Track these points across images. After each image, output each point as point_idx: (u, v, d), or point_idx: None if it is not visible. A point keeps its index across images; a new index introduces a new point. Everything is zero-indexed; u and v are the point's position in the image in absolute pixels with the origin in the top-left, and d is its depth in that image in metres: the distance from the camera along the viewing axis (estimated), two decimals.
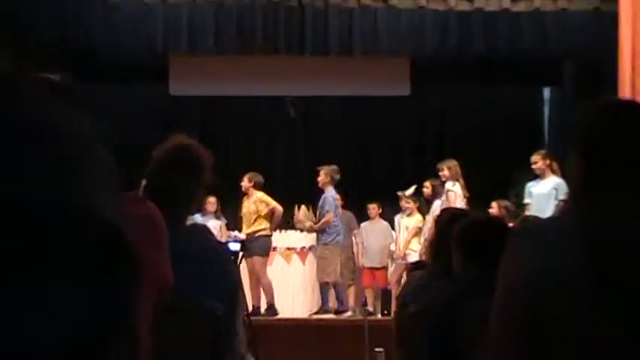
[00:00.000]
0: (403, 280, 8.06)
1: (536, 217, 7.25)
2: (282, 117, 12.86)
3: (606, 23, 9.76)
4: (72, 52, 9.97)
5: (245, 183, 10.18)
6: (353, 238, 10.81)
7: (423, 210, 10.23)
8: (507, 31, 10.19)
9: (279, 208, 10.21)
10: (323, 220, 10.07)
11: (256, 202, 10.08)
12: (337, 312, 10.02)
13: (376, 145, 13.11)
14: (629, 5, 9.01)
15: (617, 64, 9.09)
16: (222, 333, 3.02)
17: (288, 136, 12.92)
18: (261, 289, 9.92)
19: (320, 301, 10.49)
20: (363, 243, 10.75)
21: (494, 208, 9.05)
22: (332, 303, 10.24)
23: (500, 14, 10.07)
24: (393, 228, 10.84)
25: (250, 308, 8.47)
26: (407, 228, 10.48)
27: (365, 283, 10.70)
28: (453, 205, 8.83)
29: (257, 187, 10.18)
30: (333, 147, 12.63)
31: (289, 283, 11.12)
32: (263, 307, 9.81)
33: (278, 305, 9.95)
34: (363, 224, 10.84)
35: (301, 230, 11.19)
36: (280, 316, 9.66)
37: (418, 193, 10.42)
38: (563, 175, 8.82)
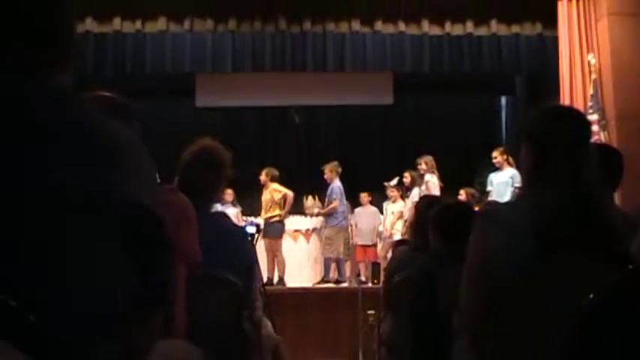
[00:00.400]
0: (389, 255, 8.07)
1: (496, 202, 7.26)
2: (288, 123, 12.85)
3: (549, 45, 9.79)
4: (123, 75, 10.00)
5: (263, 177, 10.24)
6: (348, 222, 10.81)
7: (405, 197, 10.26)
8: (470, 51, 10.19)
9: (290, 194, 10.28)
10: (330, 206, 10.12)
11: (272, 191, 10.15)
12: (336, 282, 10.05)
13: (365, 145, 13.09)
14: (565, 32, 9.07)
15: (558, 78, 9.12)
16: (242, 300, 3.03)
17: (293, 139, 12.91)
18: (275, 264, 9.97)
19: (322, 273, 10.51)
20: (356, 225, 10.75)
21: (462, 195, 9.05)
22: (332, 274, 10.26)
23: (464, 37, 10.07)
24: (381, 212, 10.86)
25: (265, 279, 8.50)
26: (392, 212, 10.49)
27: (358, 258, 10.69)
28: (431, 192, 8.86)
29: (273, 179, 10.27)
30: (330, 147, 12.61)
31: (296, 259, 11.11)
32: (275, 279, 9.85)
33: (287, 277, 9.99)
34: (356, 209, 10.84)
35: (311, 215, 11.23)
36: (289, 285, 9.67)
37: (400, 183, 10.45)
38: (518, 167, 8.87)
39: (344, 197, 10.24)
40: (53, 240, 1.21)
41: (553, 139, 2.08)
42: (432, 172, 9.47)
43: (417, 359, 3.41)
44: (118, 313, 1.30)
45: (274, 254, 10.01)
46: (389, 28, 9.97)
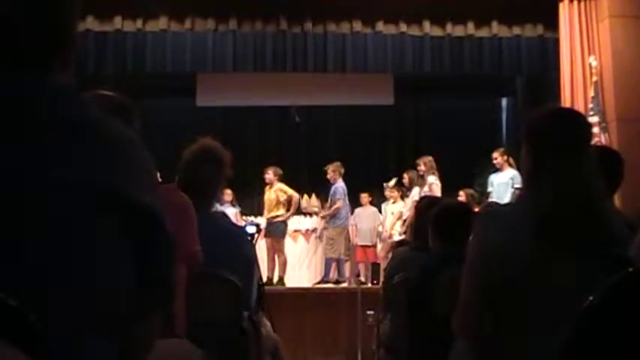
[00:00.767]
0: (389, 255, 8.08)
1: (496, 203, 7.26)
2: (288, 123, 12.85)
3: (550, 47, 9.80)
4: (123, 74, 10.01)
5: (270, 175, 10.24)
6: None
7: (405, 197, 10.26)
8: (471, 53, 10.20)
9: (296, 196, 10.34)
10: (335, 207, 10.13)
11: (277, 191, 10.16)
12: (336, 282, 10.05)
13: (365, 146, 13.10)
14: (566, 34, 9.07)
15: (559, 80, 9.13)
16: (241, 299, 3.03)
17: (294, 138, 12.91)
18: (277, 264, 9.97)
19: (322, 273, 10.52)
20: (356, 225, 10.75)
21: (461, 196, 9.04)
22: (331, 274, 10.27)
23: (466, 38, 10.07)
24: (380, 213, 10.86)
25: (265, 279, 8.50)
26: (392, 213, 10.49)
27: (358, 258, 10.69)
28: (435, 194, 8.85)
29: (279, 179, 10.26)
30: (330, 146, 12.63)
31: (296, 259, 11.12)
32: (275, 278, 9.85)
33: (286, 277, 9.99)
34: (356, 210, 10.84)
35: (310, 214, 11.24)
36: (288, 285, 9.67)
37: (400, 184, 10.46)
38: (518, 168, 8.88)
39: (347, 198, 10.26)
40: (53, 238, 1.21)
41: (553, 141, 2.08)
42: (433, 173, 9.46)
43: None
44: (119, 312, 1.30)
45: (277, 253, 10.02)
46: (390, 29, 9.97)
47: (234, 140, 10.66)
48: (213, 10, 9.81)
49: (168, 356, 1.58)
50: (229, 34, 9.99)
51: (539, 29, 9.94)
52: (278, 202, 10.13)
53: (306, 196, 10.73)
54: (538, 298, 1.94)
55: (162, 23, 9.73)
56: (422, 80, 11.85)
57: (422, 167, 9.52)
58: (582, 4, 9.05)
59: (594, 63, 8.74)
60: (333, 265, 10.32)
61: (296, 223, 11.48)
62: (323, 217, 10.60)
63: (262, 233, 9.06)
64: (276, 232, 10.07)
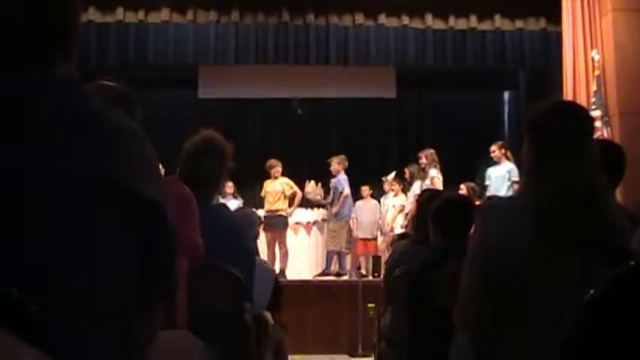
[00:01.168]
0: (391, 249, 8.08)
1: (497, 197, 7.26)
2: (291, 115, 12.84)
3: (553, 41, 9.79)
4: (125, 65, 10.01)
5: (279, 168, 10.27)
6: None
7: (406, 190, 10.26)
8: (474, 46, 10.19)
9: (300, 193, 10.39)
10: (343, 196, 10.13)
11: (283, 184, 10.21)
12: (337, 275, 10.06)
13: (367, 138, 13.08)
14: (569, 27, 9.05)
15: (561, 73, 9.11)
16: (243, 292, 3.04)
17: (296, 130, 12.89)
18: (279, 256, 9.99)
19: (323, 265, 10.53)
20: (357, 218, 10.75)
21: (463, 189, 9.04)
22: (332, 267, 10.28)
23: (468, 32, 10.06)
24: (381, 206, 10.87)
25: None
26: (393, 206, 10.49)
27: (359, 251, 10.70)
28: (437, 188, 8.84)
29: (282, 172, 10.32)
30: (332, 139, 12.61)
31: (297, 251, 11.13)
32: (276, 271, 9.85)
33: (287, 269, 10.00)
34: (357, 203, 10.82)
35: (312, 207, 11.25)
36: (289, 277, 9.68)
37: (401, 177, 10.46)
38: (516, 161, 8.90)
39: (349, 190, 10.28)
40: (55, 230, 1.21)
41: (555, 134, 2.08)
42: (435, 166, 9.44)
43: (416, 353, 3.42)
44: (121, 304, 1.30)
45: (279, 246, 10.04)
46: (392, 22, 9.97)
47: (235, 132, 10.68)
48: (215, 1, 9.81)
49: (169, 348, 1.59)
50: (231, 26, 9.99)
51: (542, 23, 9.94)
52: (284, 196, 10.17)
53: (312, 183, 10.70)
54: (538, 292, 1.94)
55: (164, 15, 9.72)
56: (424, 73, 11.84)
57: (424, 160, 9.50)
58: None
59: (597, 57, 8.72)
60: (334, 257, 10.33)
61: (297, 215, 11.48)
62: (333, 211, 10.52)
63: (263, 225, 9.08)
64: (278, 224, 10.08)
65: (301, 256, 11.31)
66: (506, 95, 13.19)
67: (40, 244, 1.19)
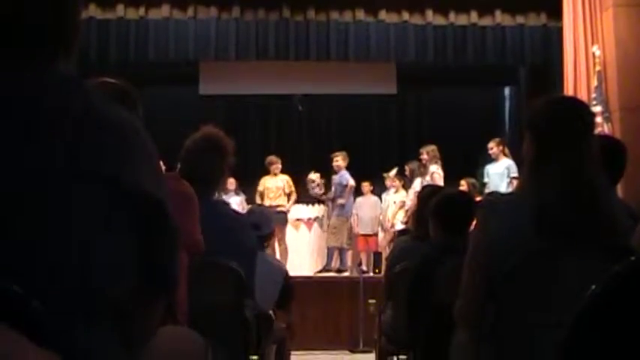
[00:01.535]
0: (391, 245, 8.09)
1: (498, 193, 7.23)
2: (291, 111, 12.84)
3: (553, 36, 9.78)
4: (126, 62, 10.01)
5: (279, 165, 10.30)
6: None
7: (407, 187, 10.26)
8: (474, 42, 10.19)
9: (295, 194, 10.44)
10: (348, 189, 10.13)
11: (284, 180, 10.21)
12: (338, 271, 10.06)
13: (368, 135, 13.08)
14: (570, 23, 9.03)
15: (562, 69, 9.10)
16: (243, 288, 3.04)
17: (296, 127, 12.90)
18: (278, 252, 9.99)
19: (324, 262, 10.53)
20: (358, 214, 10.75)
21: (463, 185, 9.02)
22: (333, 263, 10.28)
23: (469, 27, 10.06)
24: (381, 202, 10.86)
25: None
26: (394, 202, 10.48)
27: (360, 248, 10.70)
28: (437, 183, 8.83)
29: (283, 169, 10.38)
30: (332, 135, 12.63)
31: (297, 248, 11.13)
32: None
33: (288, 265, 9.99)
34: (358, 199, 10.81)
35: (312, 203, 11.24)
36: (289, 274, 9.65)
37: (402, 173, 10.45)
38: (514, 157, 8.90)
39: (353, 182, 10.29)
40: (54, 226, 1.21)
41: (556, 130, 2.07)
42: (436, 162, 9.43)
43: (417, 349, 3.42)
44: (121, 299, 1.30)
45: (278, 242, 10.03)
46: (393, 18, 9.96)
47: (236, 128, 10.70)
48: None
49: (169, 343, 1.59)
50: (232, 22, 9.99)
51: (543, 18, 9.93)
52: (284, 193, 10.19)
53: (318, 174, 10.67)
54: (539, 289, 1.94)
55: (164, 11, 9.72)
56: (424, 69, 11.83)
57: (425, 156, 9.47)
58: None
59: (598, 52, 8.70)
60: (335, 253, 10.33)
61: (298, 211, 11.48)
62: (339, 203, 10.47)
63: None
64: (278, 220, 10.06)
65: (302, 252, 11.31)
66: (506, 91, 13.18)
67: (40, 234, 1.19)
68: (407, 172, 10.18)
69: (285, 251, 10.07)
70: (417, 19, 9.96)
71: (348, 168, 10.25)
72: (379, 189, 11.09)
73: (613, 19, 8.64)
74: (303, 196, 11.16)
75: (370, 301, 6.94)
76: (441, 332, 2.53)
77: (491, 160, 9.38)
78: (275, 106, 13.11)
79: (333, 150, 10.45)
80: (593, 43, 8.82)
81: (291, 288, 4.54)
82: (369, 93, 12.41)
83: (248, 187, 11.15)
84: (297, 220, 11.61)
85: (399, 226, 9.72)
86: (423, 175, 9.48)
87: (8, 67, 1.28)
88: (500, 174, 9.02)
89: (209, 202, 3.04)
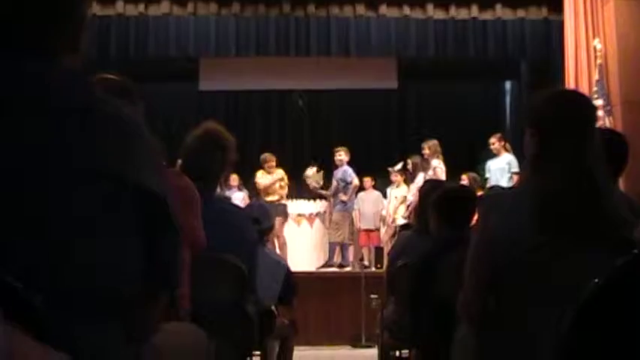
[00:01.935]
0: (393, 240, 8.08)
1: (500, 187, 7.25)
2: (292, 106, 12.84)
3: (554, 30, 9.76)
4: (126, 58, 10.01)
5: (273, 162, 10.23)
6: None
7: (408, 181, 10.25)
8: (475, 36, 10.17)
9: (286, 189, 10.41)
10: (352, 186, 10.11)
11: (277, 180, 10.14)
12: (340, 266, 10.06)
13: (369, 129, 13.07)
14: (571, 16, 9.02)
15: (563, 63, 9.09)
16: (245, 283, 3.04)
17: (297, 123, 12.89)
18: (277, 246, 9.98)
19: (325, 257, 10.53)
20: (360, 209, 10.75)
21: (464, 180, 9.03)
22: (335, 259, 10.28)
23: (469, 22, 10.05)
24: (384, 197, 10.84)
25: None
26: (395, 197, 10.49)
27: (362, 243, 10.70)
28: (439, 178, 8.83)
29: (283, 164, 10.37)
30: (333, 130, 12.61)
31: (299, 243, 11.13)
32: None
33: (290, 261, 9.98)
34: (360, 194, 10.80)
35: (314, 199, 11.23)
36: (291, 269, 9.66)
37: (404, 168, 10.45)
38: (515, 152, 8.90)
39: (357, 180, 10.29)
40: (57, 221, 1.21)
41: (557, 123, 2.07)
42: (437, 157, 9.42)
43: (419, 344, 3.42)
44: (125, 295, 1.31)
45: (277, 236, 10.02)
46: (393, 12, 9.95)
47: (236, 124, 10.70)
48: None
49: (172, 339, 1.59)
50: (232, 18, 9.98)
51: (544, 12, 9.91)
52: (280, 188, 10.18)
53: (315, 169, 10.65)
54: (541, 283, 1.94)
55: (164, 7, 9.71)
56: (425, 64, 11.81)
57: (426, 151, 9.47)
58: None
59: (599, 46, 8.69)
60: (337, 249, 10.33)
61: (300, 207, 11.48)
62: (343, 199, 10.46)
63: None
64: (278, 212, 10.03)
65: (304, 247, 11.32)
66: (507, 85, 13.17)
67: (42, 229, 1.19)
68: (409, 167, 10.17)
69: (284, 245, 10.06)
70: (417, 14, 9.95)
71: (349, 163, 10.25)
72: (381, 184, 11.09)
73: (614, 12, 8.62)
74: (305, 191, 11.15)
75: (372, 296, 6.94)
76: (443, 326, 2.53)
77: (492, 155, 9.38)
78: (275, 102, 13.10)
79: (334, 145, 10.44)
80: (594, 37, 8.80)
81: (294, 283, 4.53)
82: (369, 88, 12.40)
83: (247, 183, 11.16)
84: (299, 215, 11.61)
85: (401, 221, 9.72)
86: (425, 169, 9.48)
87: (8, 66, 1.28)
88: (502, 169, 9.04)
89: (210, 197, 3.04)
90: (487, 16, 9.99)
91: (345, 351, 8.05)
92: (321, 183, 10.62)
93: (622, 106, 8.39)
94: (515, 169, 8.80)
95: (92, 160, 1.25)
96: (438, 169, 9.25)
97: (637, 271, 1.42)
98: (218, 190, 3.57)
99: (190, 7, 9.74)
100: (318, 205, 11.62)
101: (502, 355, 2.02)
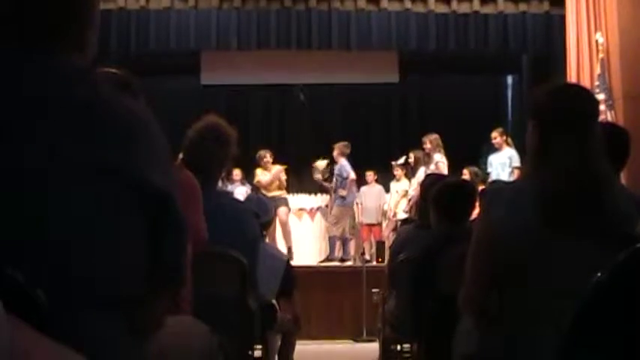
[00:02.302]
0: (394, 234, 8.09)
1: (502, 181, 7.23)
2: (293, 101, 12.83)
3: (556, 24, 9.75)
4: (127, 52, 10.00)
5: (269, 158, 10.21)
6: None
7: (410, 176, 10.25)
8: (477, 30, 10.16)
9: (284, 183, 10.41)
10: (349, 181, 10.10)
11: (278, 172, 10.14)
12: (341, 260, 10.06)
13: (370, 123, 13.07)
14: (573, 10, 9.01)
15: (565, 57, 9.08)
16: (247, 277, 3.04)
17: (298, 116, 12.88)
18: (283, 235, 10.00)
19: (327, 251, 10.54)
20: (361, 203, 10.75)
21: (465, 174, 9.02)
22: (336, 253, 10.28)
23: (471, 15, 10.03)
24: (387, 191, 10.84)
25: None
26: (397, 191, 10.50)
27: (363, 237, 10.72)
28: (441, 172, 8.82)
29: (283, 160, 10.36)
30: (335, 125, 12.60)
31: (301, 237, 11.14)
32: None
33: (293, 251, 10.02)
34: (362, 188, 10.81)
35: (315, 192, 11.23)
36: (293, 263, 9.65)
37: (407, 163, 10.45)
38: (517, 147, 8.90)
39: (354, 174, 10.28)
40: (58, 217, 1.21)
41: (560, 117, 2.07)
42: (439, 151, 9.41)
43: (420, 338, 3.43)
44: (130, 291, 1.31)
45: (282, 225, 10.04)
46: (394, 6, 9.93)
47: (238, 118, 10.68)
48: None
49: (174, 332, 1.59)
50: (233, 12, 9.98)
51: (546, 5, 9.89)
52: (280, 184, 10.19)
53: (325, 162, 10.64)
54: (543, 278, 1.94)
55: (165, 1, 9.70)
56: (426, 58, 11.80)
57: (428, 145, 9.47)
58: None
59: (601, 40, 8.67)
60: (338, 243, 10.34)
61: (301, 201, 11.48)
62: (341, 195, 10.46)
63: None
64: (280, 203, 10.02)
65: (305, 242, 11.33)
66: (509, 79, 13.16)
67: (43, 225, 1.19)
68: (411, 160, 10.16)
69: (288, 234, 10.07)
70: (418, 8, 9.92)
71: (350, 157, 10.23)
72: (383, 178, 11.08)
73: (616, 6, 8.60)
74: (306, 185, 11.15)
75: (373, 290, 6.95)
76: (444, 320, 2.54)
77: (494, 149, 9.39)
78: (277, 96, 13.09)
79: (335, 139, 10.43)
80: (596, 31, 8.79)
81: (293, 276, 4.53)
82: (371, 82, 12.40)
83: (248, 177, 11.16)
84: (300, 209, 11.61)
85: (402, 215, 9.72)
86: (427, 164, 9.48)
87: (8, 65, 1.28)
88: (503, 164, 9.05)
89: (211, 191, 3.04)
90: (489, 9, 9.97)
91: (346, 345, 8.06)
92: (326, 176, 10.61)
93: (624, 100, 8.38)
94: (517, 163, 8.81)
95: (92, 157, 1.25)
96: (440, 163, 9.25)
97: (639, 266, 1.42)
98: (220, 184, 3.57)
99: (191, 0, 9.73)
100: (319, 200, 11.62)
101: (504, 350, 2.02)
